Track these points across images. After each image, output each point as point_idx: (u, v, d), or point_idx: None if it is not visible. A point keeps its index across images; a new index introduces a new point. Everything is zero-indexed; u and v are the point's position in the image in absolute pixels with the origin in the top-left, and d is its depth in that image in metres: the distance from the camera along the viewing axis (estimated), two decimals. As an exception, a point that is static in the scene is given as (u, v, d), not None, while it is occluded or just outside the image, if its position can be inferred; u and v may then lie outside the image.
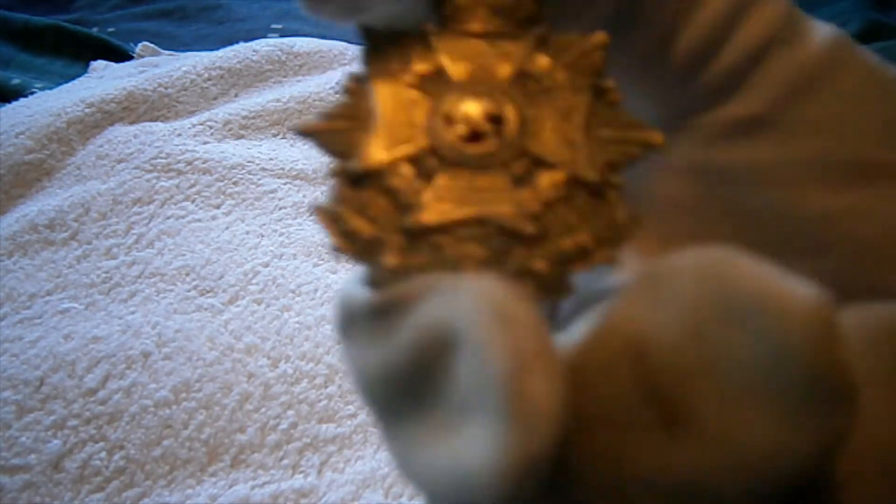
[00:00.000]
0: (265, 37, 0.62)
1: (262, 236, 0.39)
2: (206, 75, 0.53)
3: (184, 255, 0.37)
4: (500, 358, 0.08)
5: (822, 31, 0.13)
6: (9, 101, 0.50)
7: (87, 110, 0.47)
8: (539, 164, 0.11)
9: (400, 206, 0.11)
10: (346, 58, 0.59)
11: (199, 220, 0.40)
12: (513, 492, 0.08)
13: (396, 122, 0.12)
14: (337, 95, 0.12)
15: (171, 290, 0.35)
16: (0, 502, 0.26)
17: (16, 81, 0.55)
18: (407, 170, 0.11)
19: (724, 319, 0.09)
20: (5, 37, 0.62)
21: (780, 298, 0.08)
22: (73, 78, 0.56)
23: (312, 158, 0.45)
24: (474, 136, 0.11)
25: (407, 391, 0.09)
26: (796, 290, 0.08)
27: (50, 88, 0.53)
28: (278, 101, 0.51)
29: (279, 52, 0.57)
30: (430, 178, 0.11)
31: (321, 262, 0.38)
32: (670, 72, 0.13)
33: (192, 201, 0.41)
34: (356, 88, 0.12)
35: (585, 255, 0.11)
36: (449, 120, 0.11)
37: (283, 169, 0.44)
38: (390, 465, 0.27)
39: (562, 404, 0.08)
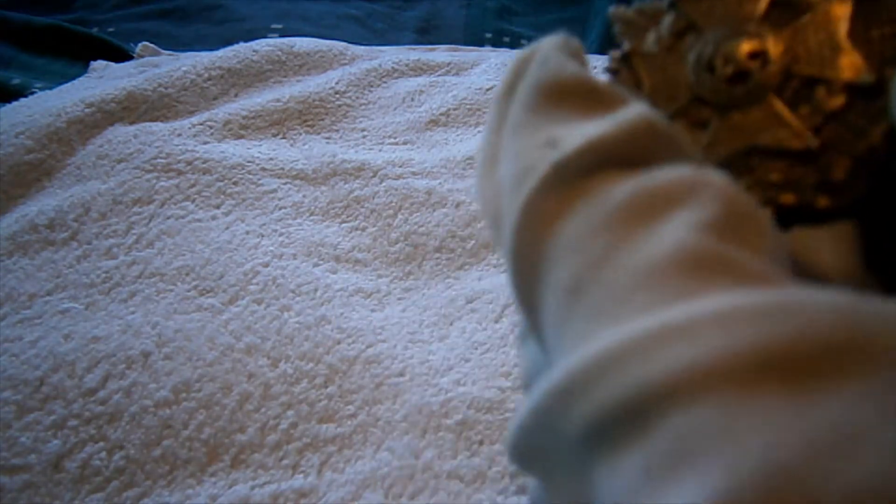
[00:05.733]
0: (265, 37, 0.62)
1: (262, 236, 0.39)
2: (206, 75, 0.53)
3: (184, 255, 0.37)
4: None
5: None
6: (9, 101, 0.50)
7: (87, 110, 0.47)
8: (811, 82, 0.12)
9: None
10: (345, 58, 0.59)
11: (199, 220, 0.40)
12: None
13: (659, 86, 0.12)
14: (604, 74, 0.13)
15: (171, 290, 0.35)
16: (0, 502, 0.26)
17: (16, 81, 0.55)
18: (681, 123, 0.12)
19: None
20: (5, 37, 0.62)
21: None
22: (73, 78, 0.56)
23: (312, 158, 0.45)
24: (739, 75, 0.12)
25: None
26: None
27: (50, 88, 0.53)
28: (278, 101, 0.51)
29: (279, 52, 0.57)
30: (704, 126, 0.12)
31: (321, 262, 0.38)
32: None
33: (192, 201, 0.41)
34: (618, 67, 0.13)
35: (875, 153, 0.11)
36: (711, 67, 0.12)
37: (283, 169, 0.44)
38: (390, 465, 0.27)
39: None
